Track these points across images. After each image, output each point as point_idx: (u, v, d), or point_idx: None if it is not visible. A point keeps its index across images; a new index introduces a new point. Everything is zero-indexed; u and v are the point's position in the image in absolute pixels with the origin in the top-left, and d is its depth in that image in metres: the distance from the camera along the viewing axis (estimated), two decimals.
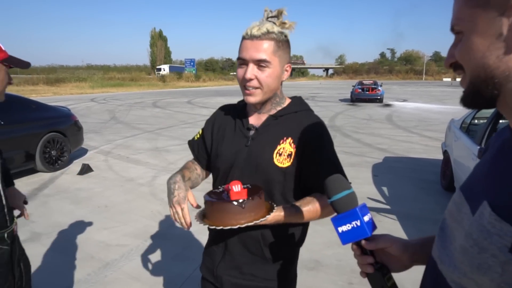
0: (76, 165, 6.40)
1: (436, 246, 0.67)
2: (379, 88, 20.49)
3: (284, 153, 1.20)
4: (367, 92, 20.26)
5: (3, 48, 1.41)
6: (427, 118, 13.46)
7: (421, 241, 0.81)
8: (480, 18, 0.54)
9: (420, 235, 3.75)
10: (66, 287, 2.78)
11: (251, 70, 1.15)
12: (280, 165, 1.19)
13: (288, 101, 1.31)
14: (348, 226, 0.77)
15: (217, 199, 1.06)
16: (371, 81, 22.27)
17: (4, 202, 1.48)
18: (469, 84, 0.58)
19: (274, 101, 1.26)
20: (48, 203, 4.62)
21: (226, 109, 1.41)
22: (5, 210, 1.48)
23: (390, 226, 3.92)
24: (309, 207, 1.14)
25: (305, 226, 1.33)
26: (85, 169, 5.96)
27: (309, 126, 1.22)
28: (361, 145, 8.40)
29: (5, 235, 1.47)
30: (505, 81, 0.53)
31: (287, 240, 1.28)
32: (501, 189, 0.53)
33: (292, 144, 1.20)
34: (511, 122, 0.59)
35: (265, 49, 1.13)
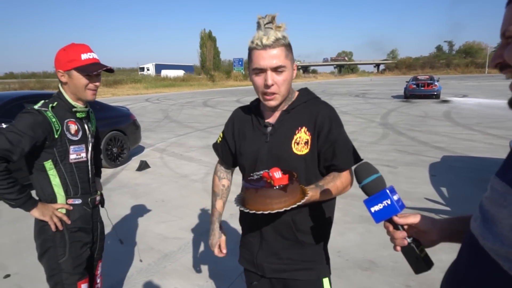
0: (135, 161, 6.80)
1: (477, 224, 0.73)
2: (436, 83, 19.34)
3: (301, 142, 1.31)
4: (423, 88, 19.21)
5: (82, 58, 1.67)
6: (491, 114, 12.48)
7: (449, 220, 0.90)
8: None
9: None
10: (129, 274, 2.98)
11: (271, 77, 1.24)
12: (299, 153, 1.31)
13: (296, 93, 1.42)
14: (380, 206, 0.86)
15: (261, 186, 1.12)
16: (427, 76, 21.07)
17: (90, 175, 1.86)
18: None
19: (287, 98, 1.37)
20: (110, 197, 4.96)
21: (241, 111, 1.52)
22: (90, 182, 1.85)
23: None
24: (332, 184, 1.26)
25: (331, 208, 1.42)
26: (143, 166, 6.31)
27: (319, 113, 1.33)
28: (416, 143, 8.01)
29: (89, 199, 1.85)
30: None
31: (317, 222, 1.37)
32: None
33: (307, 132, 1.32)
34: None
35: (278, 56, 1.23)
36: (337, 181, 1.28)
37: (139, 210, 4.42)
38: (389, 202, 0.86)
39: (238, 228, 3.79)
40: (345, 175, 1.32)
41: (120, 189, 5.32)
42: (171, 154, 7.58)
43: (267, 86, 1.25)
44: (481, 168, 5.89)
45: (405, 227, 0.89)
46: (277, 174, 1.12)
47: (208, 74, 55.71)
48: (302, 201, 1.10)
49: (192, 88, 39.08)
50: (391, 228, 0.89)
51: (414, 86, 19.46)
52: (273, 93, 1.28)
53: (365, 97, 21.66)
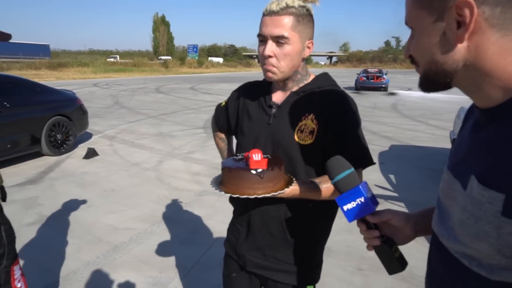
0: (82, 149, 6.39)
1: (435, 221, 0.73)
2: (384, 76, 20.28)
3: (306, 130, 1.15)
4: (372, 81, 20.06)
5: None
6: (432, 107, 13.34)
7: (422, 213, 0.87)
8: (425, 20, 0.61)
9: None
10: (76, 269, 2.78)
11: (270, 47, 1.11)
12: (302, 142, 1.16)
13: (312, 77, 1.26)
14: (353, 204, 0.81)
15: (235, 166, 1.03)
16: (376, 69, 22.01)
17: None
18: (424, 74, 0.66)
19: (295, 78, 1.22)
20: (54, 186, 4.61)
21: (252, 86, 1.38)
22: None
23: None
24: (328, 185, 1.10)
25: (331, 212, 1.28)
26: (91, 153, 5.95)
27: (332, 101, 1.17)
28: (366, 132, 8.28)
29: None
30: (455, 71, 0.61)
31: (311, 224, 1.25)
32: (482, 161, 0.59)
33: (314, 120, 1.15)
34: (473, 99, 0.65)
35: (283, 25, 1.09)
36: None
37: (87, 200, 4.15)
38: (362, 200, 0.81)
39: (192, 219, 3.72)
40: None
41: (65, 178, 4.97)
42: (121, 141, 7.22)
43: (264, 57, 1.13)
44: (424, 156, 6.26)
45: (378, 224, 0.85)
46: (255, 156, 1.02)
47: (161, 59, 53.87)
48: (279, 192, 1.00)
49: (144, 74, 37.56)
50: (364, 227, 0.84)
51: (364, 78, 20.26)
52: (272, 65, 1.14)
53: None
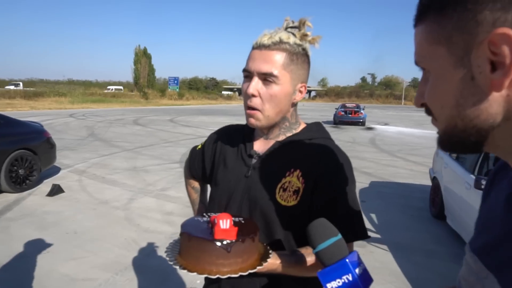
0: (46, 185, 5.95)
1: None
2: (362, 111, 20.72)
3: (289, 188, 0.97)
4: (350, 115, 20.43)
5: None
6: (410, 142, 13.56)
7: None
8: (443, 60, 0.43)
9: (413, 268, 3.54)
10: None
11: (255, 85, 0.95)
12: (283, 203, 0.97)
13: (302, 126, 1.10)
14: (338, 282, 0.66)
15: (197, 234, 0.82)
16: (354, 104, 22.52)
17: None
18: (445, 133, 0.47)
19: (283, 125, 1.05)
20: (9, 228, 4.18)
21: (232, 129, 1.20)
22: None
23: (381, 257, 3.69)
24: (313, 257, 0.88)
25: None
26: (55, 190, 5.53)
27: (324, 157, 0.99)
28: None
29: None
30: (491, 129, 0.43)
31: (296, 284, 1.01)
32: None
33: (301, 178, 0.97)
34: None
35: (274, 61, 0.94)
36: None
37: (44, 245, 3.75)
38: (350, 277, 0.65)
39: (161, 266, 3.37)
40: None
41: (23, 218, 4.54)
42: (91, 176, 6.82)
43: (247, 96, 0.97)
44: (406, 194, 6.17)
45: None
46: (223, 223, 0.81)
47: (142, 91, 53.75)
48: (250, 271, 0.79)
49: (123, 105, 37.14)
50: None
51: (343, 113, 20.64)
52: (254, 108, 0.97)
53: None
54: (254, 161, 1.05)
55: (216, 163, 1.15)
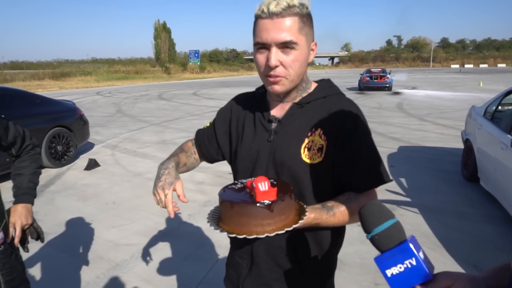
0: (83, 160, 6.26)
1: None
2: (388, 75, 20.05)
3: (313, 147, 1.00)
4: (376, 80, 19.83)
5: None
6: (439, 105, 13.11)
7: (496, 273, 0.62)
8: None
9: (444, 229, 3.52)
10: None
11: (275, 55, 0.94)
12: (309, 161, 1.00)
13: (314, 85, 1.10)
14: (400, 268, 0.59)
15: (238, 200, 0.85)
16: (380, 69, 21.78)
17: None
18: None
19: (300, 87, 1.06)
20: (54, 200, 4.48)
21: (242, 99, 1.20)
22: None
23: (412, 220, 3.71)
24: (345, 207, 0.95)
25: (342, 231, 1.14)
26: (92, 164, 5.82)
27: (341, 113, 1.01)
28: (373, 134, 7.94)
29: None
30: None
31: (324, 250, 1.08)
32: None
33: (323, 136, 1.00)
34: None
35: (289, 28, 0.93)
36: (352, 204, 0.96)
37: (87, 214, 4.00)
38: (413, 262, 0.58)
39: (196, 232, 3.55)
40: (365, 198, 0.98)
41: (65, 191, 4.83)
42: (123, 150, 7.09)
43: (269, 68, 0.95)
44: (435, 157, 6.06)
45: None
46: (262, 185, 0.83)
47: (163, 66, 53.98)
48: (294, 226, 0.82)
49: (146, 81, 37.61)
50: None
51: (368, 78, 20.04)
52: (277, 76, 0.97)
53: None
54: (274, 125, 1.06)
55: (234, 135, 1.16)
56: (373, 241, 0.63)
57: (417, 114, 11.10)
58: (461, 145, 5.62)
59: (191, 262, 3.01)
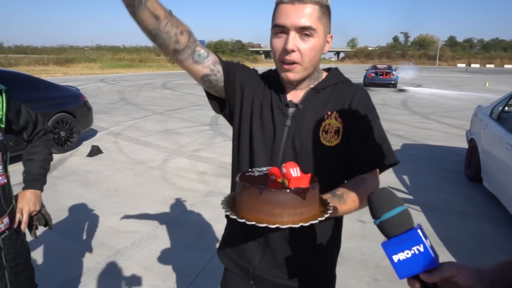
0: (86, 146, 6.26)
1: None
2: (393, 72, 19.91)
3: (330, 130, 1.02)
4: (381, 77, 19.71)
5: None
6: (444, 104, 13.03)
7: (501, 267, 0.63)
8: None
9: (446, 228, 3.52)
10: (75, 275, 2.64)
11: (293, 40, 0.95)
12: (328, 144, 1.02)
13: (325, 74, 1.13)
14: (407, 254, 0.60)
15: (266, 187, 0.77)
16: (385, 66, 21.60)
17: None
18: None
19: (313, 76, 1.08)
20: (57, 185, 4.49)
21: (264, 78, 1.15)
22: None
23: (414, 218, 3.63)
24: (354, 194, 0.95)
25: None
26: (95, 151, 5.82)
27: (354, 97, 1.05)
28: None
29: None
30: None
31: (334, 230, 1.12)
32: None
33: (339, 119, 1.03)
34: None
35: (309, 15, 0.94)
36: (361, 189, 0.95)
37: (89, 201, 4.02)
38: (421, 248, 0.59)
39: (198, 222, 3.55)
40: (371, 179, 0.99)
41: (67, 176, 4.84)
42: (126, 138, 7.09)
43: (286, 52, 0.96)
44: (439, 156, 6.04)
45: (438, 284, 0.62)
46: (294, 171, 0.78)
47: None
48: (326, 216, 0.77)
49: (151, 70, 37.50)
50: (418, 286, 0.61)
51: (373, 74, 19.91)
52: (293, 63, 0.98)
53: None
54: (291, 110, 1.06)
55: (254, 110, 1.10)
56: (381, 227, 0.63)
57: (421, 112, 11.04)
58: (465, 145, 5.59)
59: (192, 251, 3.01)
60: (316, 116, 1.04)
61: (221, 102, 1.17)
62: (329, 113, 1.03)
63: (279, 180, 0.81)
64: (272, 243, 1.08)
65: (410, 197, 4.26)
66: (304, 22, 0.94)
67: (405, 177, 4.93)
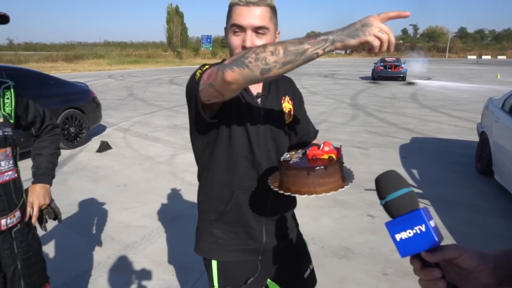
0: (95, 142, 6.33)
1: None
2: (402, 65, 19.68)
3: (286, 111, 1.29)
4: (390, 70, 19.50)
5: None
6: (454, 97, 12.85)
7: (507, 253, 0.62)
8: None
9: (456, 222, 3.49)
10: (86, 269, 2.69)
11: (251, 38, 1.10)
12: (288, 122, 1.30)
13: None
14: (409, 233, 0.62)
15: (315, 165, 0.95)
16: (394, 58, 21.36)
17: None
18: None
19: None
20: (67, 181, 4.55)
21: None
22: None
23: None
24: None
25: None
26: (104, 147, 5.88)
27: (292, 84, 1.37)
28: (386, 124, 8.04)
29: None
30: None
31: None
32: None
33: (290, 101, 1.31)
34: None
35: (263, 16, 1.10)
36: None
37: (99, 196, 4.07)
38: (423, 228, 0.60)
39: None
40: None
41: (78, 172, 4.90)
42: (135, 134, 7.14)
43: (244, 48, 1.08)
44: (448, 150, 5.96)
45: (441, 265, 0.63)
46: (332, 147, 1.01)
47: (175, 51, 53.86)
48: (350, 183, 0.96)
49: (158, 65, 37.63)
50: (418, 265, 0.62)
51: (382, 67, 19.71)
52: None
53: (334, 78, 21.72)
54: (259, 100, 1.23)
55: (234, 107, 1.19)
56: (386, 207, 0.66)
57: (431, 105, 10.90)
58: (475, 138, 5.52)
59: None
60: (277, 102, 1.27)
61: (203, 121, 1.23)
62: (283, 97, 1.29)
63: (325, 156, 1.00)
64: (275, 214, 1.29)
65: (420, 191, 4.22)
66: (259, 22, 1.08)
67: (414, 171, 4.89)
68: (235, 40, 1.11)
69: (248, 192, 1.21)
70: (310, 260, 1.47)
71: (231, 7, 1.11)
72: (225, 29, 1.16)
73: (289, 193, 0.94)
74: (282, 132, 1.26)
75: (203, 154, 1.26)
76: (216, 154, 1.21)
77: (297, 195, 0.95)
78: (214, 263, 1.28)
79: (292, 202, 1.38)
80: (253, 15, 1.08)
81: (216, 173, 1.23)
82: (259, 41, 1.10)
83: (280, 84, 1.30)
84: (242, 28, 1.09)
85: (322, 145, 1.02)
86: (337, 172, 0.95)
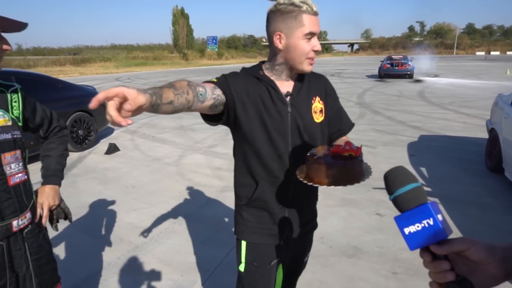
0: (103, 144, 6.39)
1: None
2: (409, 63, 19.51)
3: (317, 110, 1.36)
4: (397, 68, 19.33)
5: None
6: (462, 94, 12.71)
7: None
8: None
9: (466, 220, 3.45)
10: (96, 270, 2.71)
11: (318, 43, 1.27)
12: (317, 121, 1.36)
13: None
14: (418, 226, 0.63)
15: (342, 161, 1.07)
16: (401, 56, 21.20)
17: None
18: None
19: None
20: (76, 183, 4.60)
21: (249, 75, 1.33)
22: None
23: None
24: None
25: None
26: (112, 149, 5.93)
27: (324, 82, 1.43)
28: (393, 122, 7.98)
29: None
30: None
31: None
32: None
33: (321, 101, 1.38)
34: None
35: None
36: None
37: (108, 197, 4.10)
38: (431, 221, 0.62)
39: (215, 217, 3.58)
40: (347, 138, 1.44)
41: (87, 174, 4.95)
42: (142, 136, 7.19)
43: (315, 52, 1.27)
44: (457, 147, 5.90)
45: (450, 257, 0.64)
46: (354, 146, 1.11)
47: (181, 52, 54.10)
48: (367, 178, 1.06)
49: (164, 67, 37.83)
50: (428, 258, 0.63)
51: (389, 65, 19.56)
52: (313, 58, 1.29)
53: (340, 77, 21.63)
54: (288, 98, 1.31)
55: (258, 108, 1.27)
56: (395, 201, 0.67)
57: (439, 102, 10.80)
58: (484, 135, 5.45)
59: (209, 246, 3.05)
60: (307, 101, 1.34)
61: (216, 116, 1.30)
62: (314, 97, 1.36)
63: (346, 154, 1.08)
64: (296, 204, 1.39)
65: (429, 189, 4.19)
66: (319, 30, 1.27)
67: (423, 169, 4.85)
68: (307, 45, 1.24)
69: (271, 182, 1.32)
70: (311, 246, 1.61)
71: (300, 13, 1.20)
72: (285, 34, 1.22)
73: (311, 183, 1.06)
74: (310, 129, 1.32)
75: (235, 145, 1.40)
76: (243, 146, 1.33)
77: (318, 186, 1.05)
78: (243, 243, 1.42)
79: (314, 194, 1.47)
80: (318, 24, 1.25)
81: (244, 163, 1.36)
82: None
83: (312, 85, 1.37)
84: (314, 35, 1.25)
85: (344, 145, 1.13)
86: (355, 168, 1.05)
